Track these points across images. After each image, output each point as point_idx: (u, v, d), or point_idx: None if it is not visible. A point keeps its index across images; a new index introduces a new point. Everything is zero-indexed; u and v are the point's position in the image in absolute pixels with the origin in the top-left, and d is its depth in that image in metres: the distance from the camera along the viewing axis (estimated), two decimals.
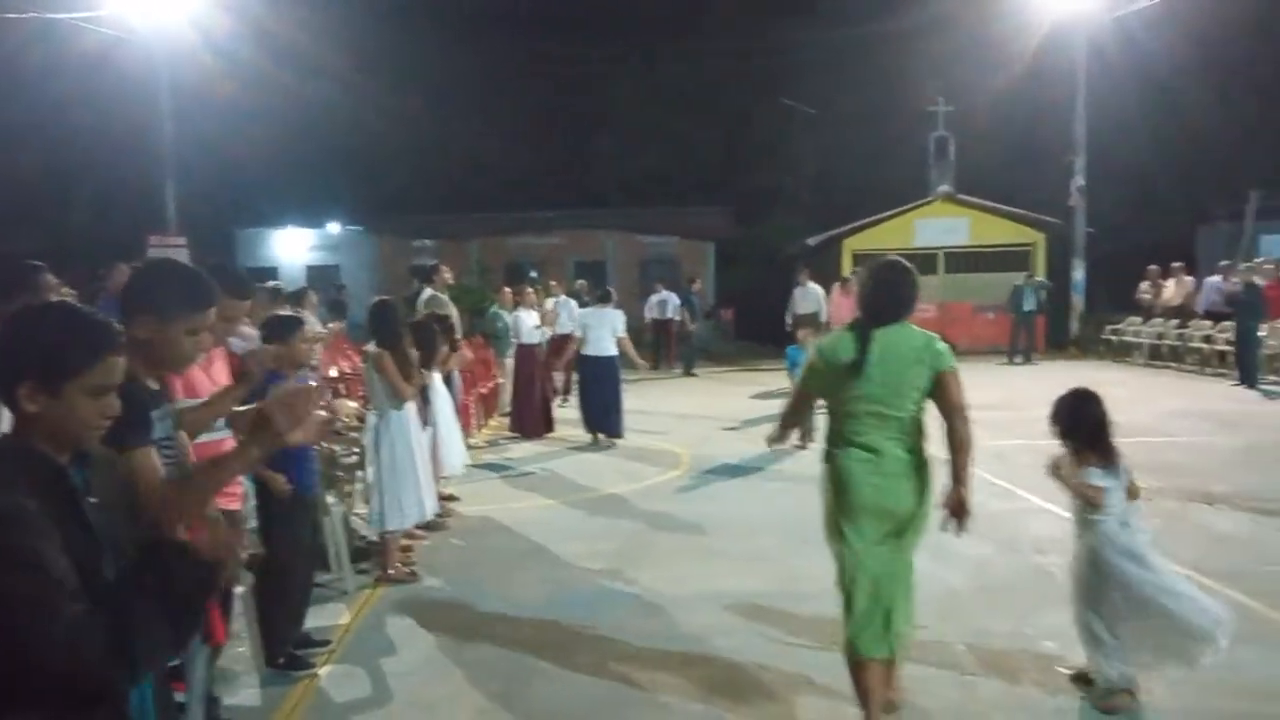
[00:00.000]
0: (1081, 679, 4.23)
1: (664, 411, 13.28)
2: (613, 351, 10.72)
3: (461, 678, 4.57)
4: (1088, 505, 4.13)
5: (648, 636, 5.01)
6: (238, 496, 3.71)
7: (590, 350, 10.75)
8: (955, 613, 5.25)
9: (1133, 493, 4.18)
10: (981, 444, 10.78)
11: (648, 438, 11.06)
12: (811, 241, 22.94)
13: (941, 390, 3.82)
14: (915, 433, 3.86)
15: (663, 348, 19.67)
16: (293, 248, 29.55)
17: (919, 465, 3.84)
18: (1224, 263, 18.21)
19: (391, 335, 6.05)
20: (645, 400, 14.55)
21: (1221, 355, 15.82)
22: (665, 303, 19.55)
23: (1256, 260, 15.71)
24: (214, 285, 2.79)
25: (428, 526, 6.76)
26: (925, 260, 21.17)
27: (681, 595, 5.62)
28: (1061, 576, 5.62)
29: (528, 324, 11.66)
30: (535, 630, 5.15)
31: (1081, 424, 4.24)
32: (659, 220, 29.62)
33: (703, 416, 12.74)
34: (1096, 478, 4.11)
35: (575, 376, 12.32)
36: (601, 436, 10.70)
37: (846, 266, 21.10)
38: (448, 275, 9.95)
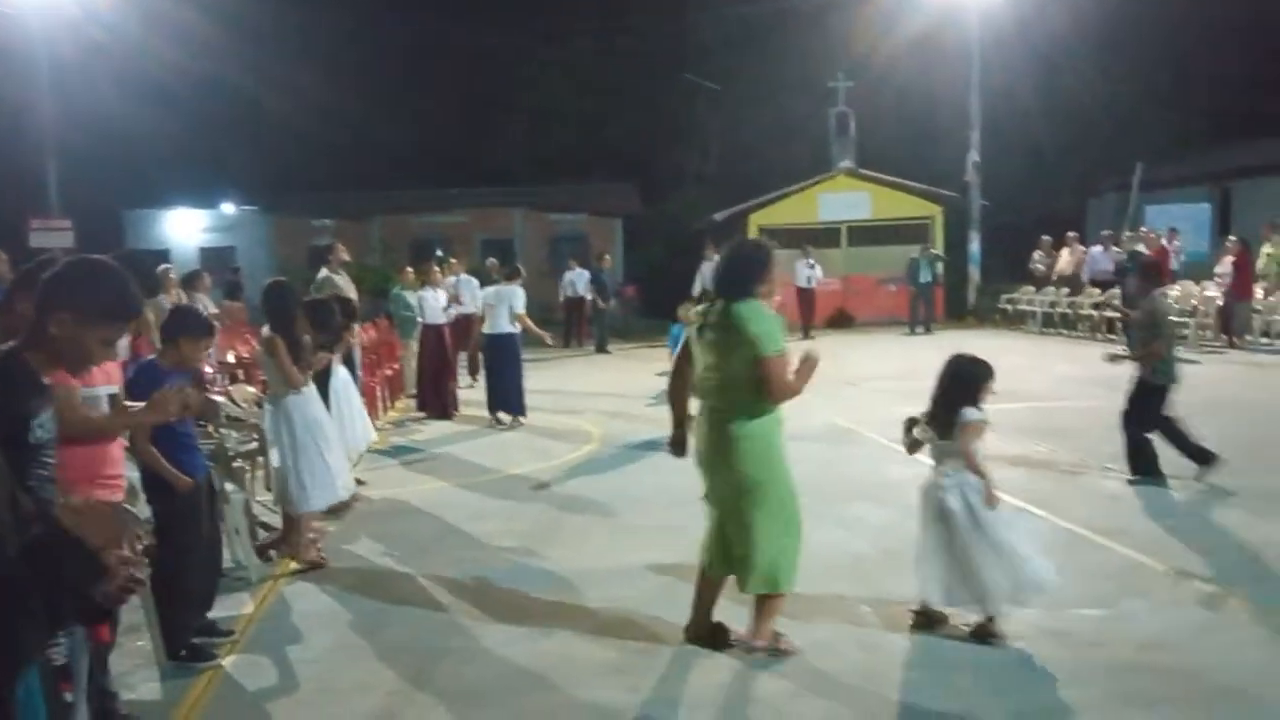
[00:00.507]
0: (924, 616, 4.57)
1: (575, 390, 13.26)
2: (510, 330, 10.59)
3: (372, 662, 4.51)
4: (968, 463, 4.45)
5: (562, 612, 5.02)
6: (120, 488, 3.58)
7: (489, 329, 10.64)
8: (860, 577, 5.38)
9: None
10: (883, 412, 11.08)
11: (559, 416, 11.04)
12: (718, 217, 23.09)
13: (761, 375, 4.11)
14: (749, 405, 4.19)
15: (574, 326, 19.70)
16: (185, 229, 28.49)
17: (744, 435, 4.19)
18: (1105, 232, 19.00)
19: (284, 318, 5.89)
20: (557, 379, 14.51)
21: (1110, 322, 16.48)
22: (576, 280, 19.57)
23: (1141, 230, 16.38)
24: (140, 298, 2.73)
25: (334, 511, 6.64)
26: (829, 234, 21.59)
27: (595, 570, 5.63)
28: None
29: (434, 304, 11.48)
30: (447, 611, 5.11)
31: (964, 385, 4.55)
32: (567, 198, 29.41)
33: (614, 394, 12.76)
34: (974, 415, 4.44)
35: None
36: (503, 416, 10.59)
37: None
38: (344, 254, 9.69)
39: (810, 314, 19.30)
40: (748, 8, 29.44)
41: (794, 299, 18.17)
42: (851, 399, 11.41)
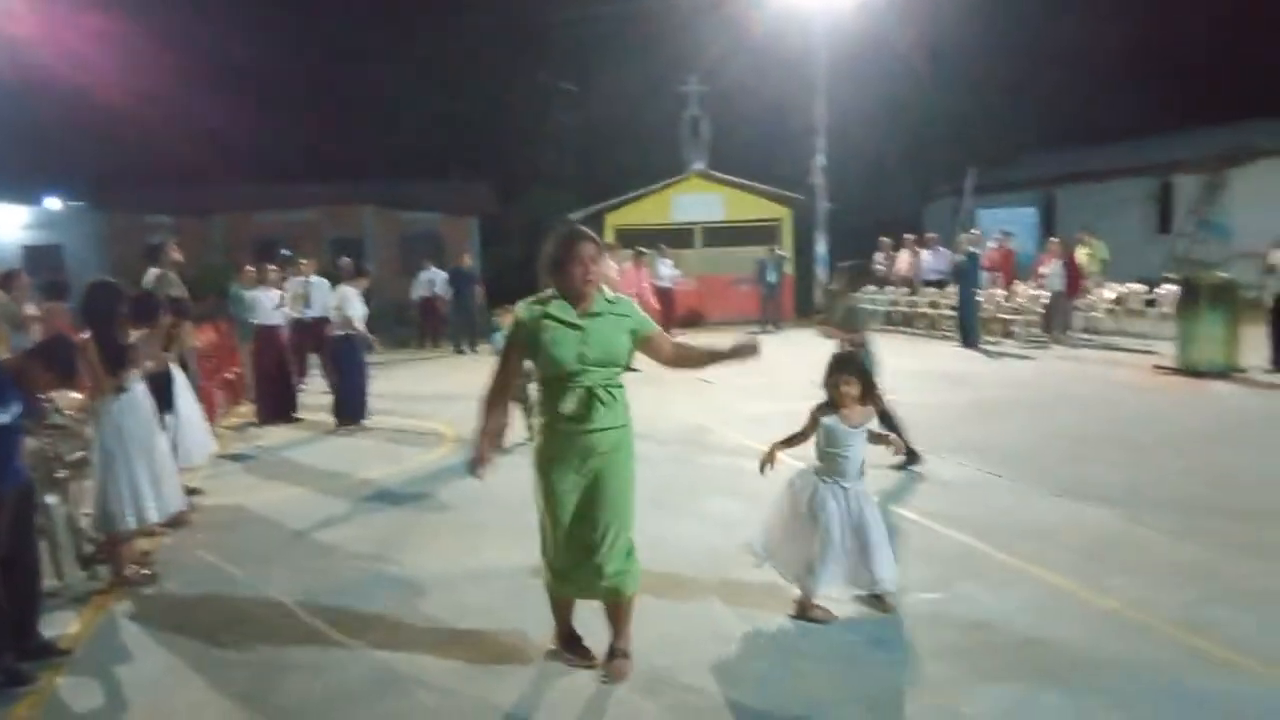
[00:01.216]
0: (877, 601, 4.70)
1: (429, 392, 13.01)
2: (352, 331, 10.32)
3: (206, 682, 4.29)
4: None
5: (412, 619, 4.90)
6: None
7: (337, 331, 10.35)
8: (714, 568, 5.46)
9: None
10: (737, 408, 11.26)
11: (410, 419, 10.80)
12: (574, 217, 23.09)
13: (651, 349, 4.28)
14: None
15: (430, 327, 19.37)
16: (4, 226, 26.56)
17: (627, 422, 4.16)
18: (930, 235, 20.01)
19: (102, 320, 5.52)
20: (412, 381, 14.21)
21: (946, 320, 17.30)
22: (433, 280, 19.26)
23: (972, 232, 17.25)
24: None
25: (170, 524, 6.29)
26: (683, 234, 21.87)
27: (447, 574, 5.53)
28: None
29: (266, 304, 11.05)
30: (290, 624, 4.91)
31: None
32: (420, 195, 28.83)
33: (470, 395, 12.53)
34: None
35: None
36: (346, 421, 10.33)
37: (610, 242, 21.43)
38: (176, 253, 9.18)
39: (670, 312, 19.54)
40: (602, 8, 29.54)
41: (652, 297, 18.34)
42: (707, 396, 11.59)
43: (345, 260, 11.23)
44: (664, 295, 19.19)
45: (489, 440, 4.11)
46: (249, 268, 12.09)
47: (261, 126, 31.64)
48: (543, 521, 4.08)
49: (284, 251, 12.74)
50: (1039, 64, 31.07)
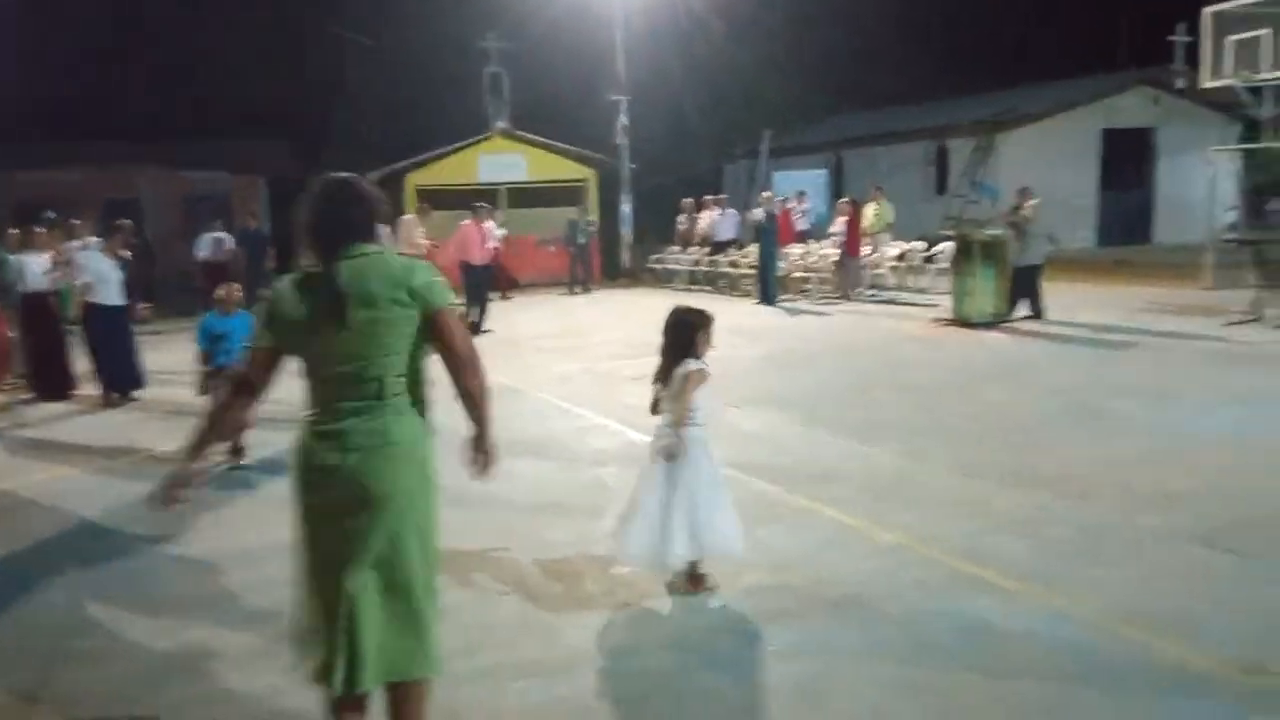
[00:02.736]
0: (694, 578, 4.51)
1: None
2: (119, 302, 9.74)
3: None
4: (676, 411, 4.40)
5: (206, 599, 4.67)
6: None
7: (99, 299, 9.64)
8: (521, 530, 5.47)
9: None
10: (547, 369, 11.29)
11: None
12: (372, 176, 22.29)
13: (438, 333, 2.97)
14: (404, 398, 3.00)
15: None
16: None
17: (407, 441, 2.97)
18: (722, 196, 20.66)
19: None
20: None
21: (747, 279, 17.88)
22: (221, 241, 18.17)
23: (765, 194, 17.88)
24: None
25: None
26: (489, 196, 21.52)
27: (244, 549, 5.29)
28: (614, 484, 6.10)
29: (34, 269, 10.15)
30: (68, 612, 4.58)
31: (682, 335, 4.50)
32: (204, 154, 27.03)
33: None
34: (692, 365, 4.41)
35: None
36: (110, 396, 9.77)
37: (411, 203, 20.84)
38: None
39: (501, 275, 19.28)
40: None
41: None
42: (516, 358, 11.54)
43: (126, 221, 10.48)
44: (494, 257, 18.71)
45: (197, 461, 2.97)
46: (12, 231, 11.03)
47: (26, 79, 28.75)
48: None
49: (48, 214, 11.67)
50: (825, 31, 32.44)
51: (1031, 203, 13.59)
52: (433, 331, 2.96)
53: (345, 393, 2.90)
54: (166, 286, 17.87)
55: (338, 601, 2.89)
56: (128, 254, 10.29)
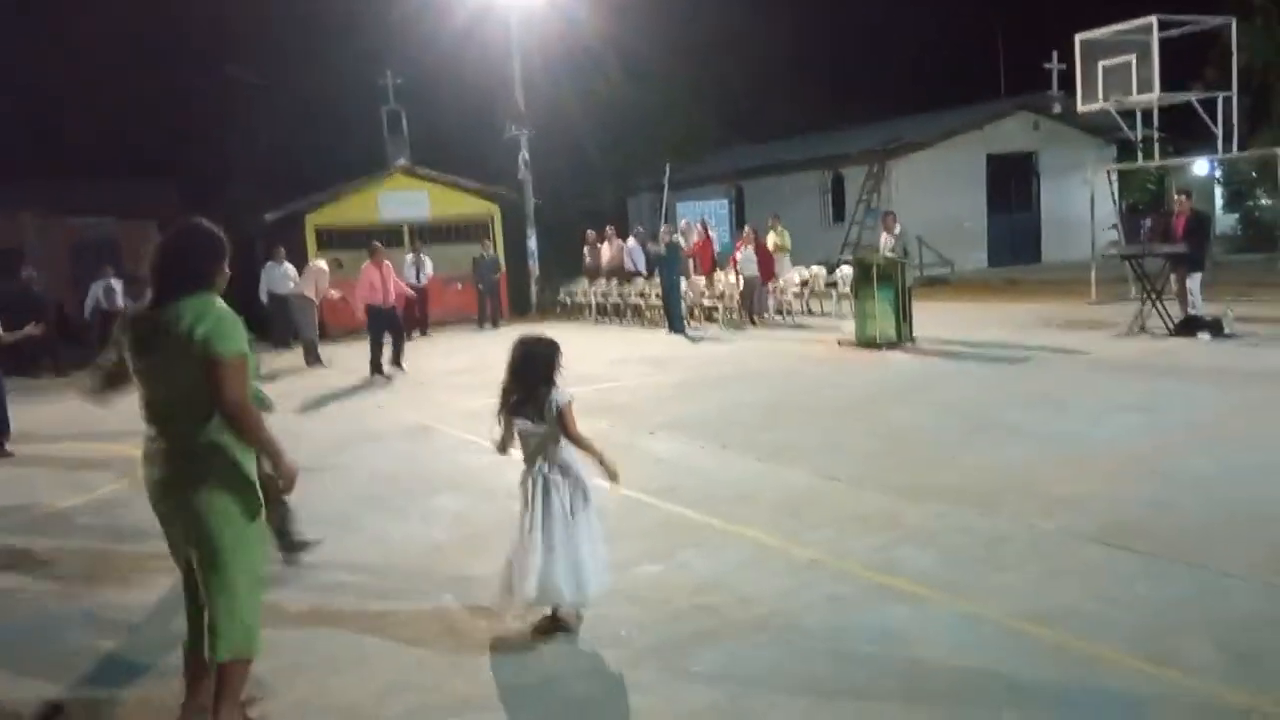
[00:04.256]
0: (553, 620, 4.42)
1: (114, 414, 11.85)
2: None
3: None
4: (579, 445, 4.32)
5: (116, 656, 4.50)
6: None
7: None
8: (440, 564, 5.43)
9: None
10: (456, 405, 11.21)
11: (94, 443, 9.82)
12: (269, 217, 21.87)
13: (208, 382, 3.25)
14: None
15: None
16: None
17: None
18: (639, 229, 20.91)
19: None
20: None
21: (654, 309, 18.07)
22: (113, 290, 17.63)
23: (682, 222, 18.17)
24: None
25: None
26: (393, 234, 21.32)
27: (150, 603, 5.12)
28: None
29: None
30: None
31: (540, 366, 4.33)
32: (90, 198, 26.12)
33: None
34: (567, 395, 4.29)
35: None
36: None
37: (311, 243, 20.54)
38: None
39: (423, 310, 19.11)
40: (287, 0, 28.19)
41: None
42: (426, 396, 11.45)
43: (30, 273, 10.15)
44: (417, 293, 18.42)
45: None
46: None
47: None
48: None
49: None
50: (721, 64, 33.19)
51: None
52: (206, 379, 3.25)
53: (158, 419, 3.41)
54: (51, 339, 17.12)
55: None
56: None
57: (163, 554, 5.96)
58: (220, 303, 3.38)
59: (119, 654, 4.55)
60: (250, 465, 3.44)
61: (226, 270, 3.47)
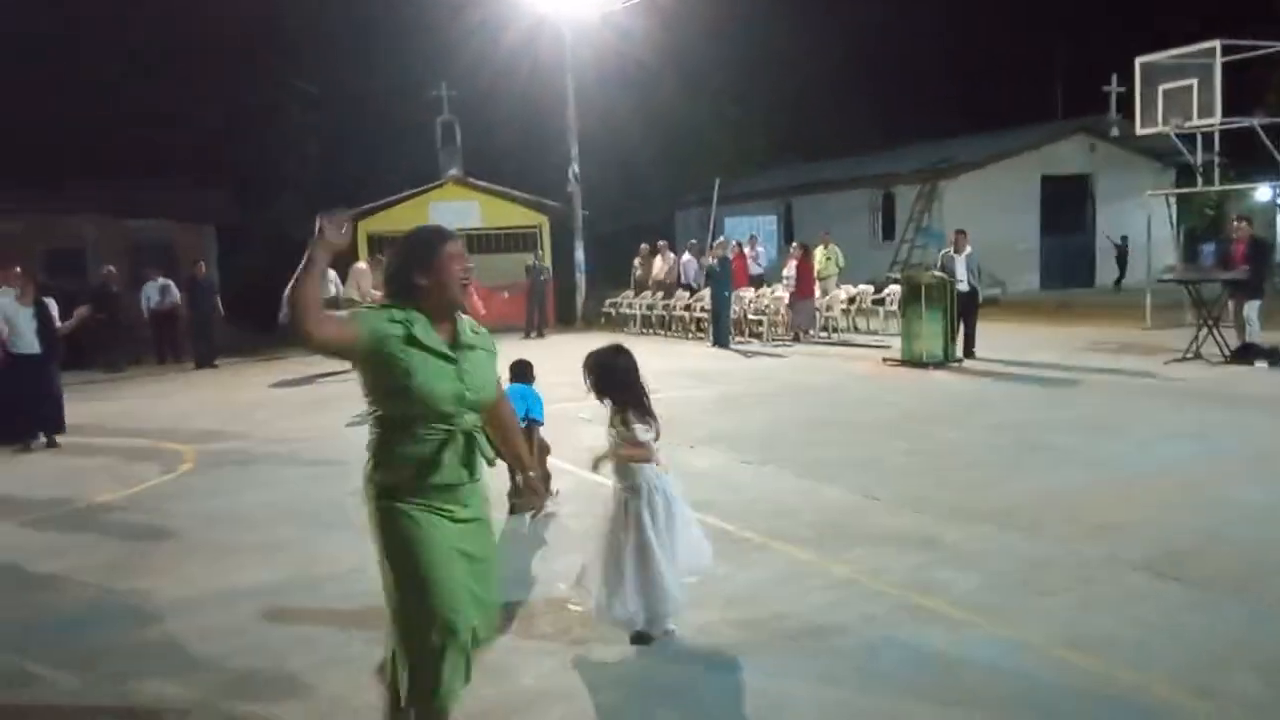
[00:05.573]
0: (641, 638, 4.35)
1: (166, 410, 12.10)
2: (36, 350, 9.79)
3: None
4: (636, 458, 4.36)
5: (150, 650, 4.54)
6: None
7: (20, 349, 9.70)
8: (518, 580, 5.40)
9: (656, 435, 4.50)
10: None
11: (142, 439, 10.01)
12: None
13: None
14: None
15: (166, 341, 18.07)
16: None
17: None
18: (692, 242, 20.91)
19: None
20: (147, 399, 13.18)
21: (699, 322, 18.03)
22: (166, 289, 18.00)
23: (721, 239, 18.13)
24: None
25: None
26: None
27: (189, 598, 5.17)
28: (575, 525, 6.09)
29: None
30: (8, 667, 4.43)
31: (616, 376, 4.47)
32: (148, 203, 26.67)
33: (214, 410, 11.84)
34: (642, 433, 4.39)
35: None
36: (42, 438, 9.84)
37: (363, 250, 20.81)
38: None
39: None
40: (348, 10, 28.67)
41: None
42: None
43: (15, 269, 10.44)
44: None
45: None
46: None
47: None
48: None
49: None
50: (773, 81, 33.16)
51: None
52: None
53: None
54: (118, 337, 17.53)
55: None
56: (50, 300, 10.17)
57: (196, 548, 6.11)
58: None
59: (150, 647, 4.59)
60: None
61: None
